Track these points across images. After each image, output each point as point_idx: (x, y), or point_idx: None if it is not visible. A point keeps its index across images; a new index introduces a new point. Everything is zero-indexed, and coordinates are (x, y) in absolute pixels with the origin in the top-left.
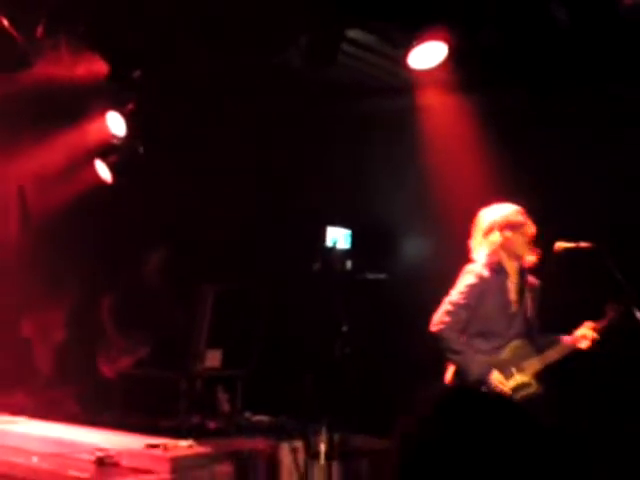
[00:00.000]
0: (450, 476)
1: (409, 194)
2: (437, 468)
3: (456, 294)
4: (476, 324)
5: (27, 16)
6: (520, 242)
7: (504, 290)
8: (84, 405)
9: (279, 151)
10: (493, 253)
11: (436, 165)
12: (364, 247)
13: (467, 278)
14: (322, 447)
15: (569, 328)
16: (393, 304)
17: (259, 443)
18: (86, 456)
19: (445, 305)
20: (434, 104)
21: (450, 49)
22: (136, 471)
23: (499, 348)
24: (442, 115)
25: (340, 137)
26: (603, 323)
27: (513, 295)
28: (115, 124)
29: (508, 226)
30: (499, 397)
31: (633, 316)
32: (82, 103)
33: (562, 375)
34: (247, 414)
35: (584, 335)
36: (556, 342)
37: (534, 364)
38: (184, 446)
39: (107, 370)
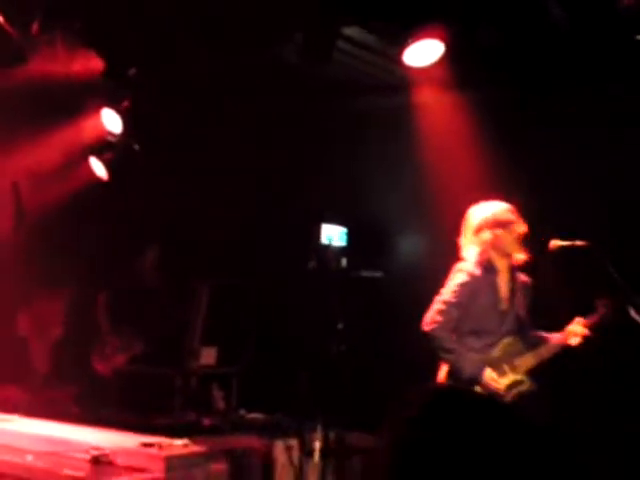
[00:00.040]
0: (438, 476)
1: (405, 192)
2: (425, 468)
3: (447, 293)
4: (468, 322)
5: (22, 12)
6: (510, 240)
7: (495, 288)
8: (80, 403)
9: (275, 149)
10: (483, 251)
11: (432, 163)
12: (359, 245)
13: (458, 277)
14: (317, 445)
15: (564, 326)
16: (388, 302)
17: (254, 441)
18: (81, 455)
19: (437, 304)
20: (430, 102)
21: (447, 47)
22: (131, 470)
23: (491, 346)
24: (438, 113)
25: (336, 135)
26: (594, 319)
27: (504, 293)
28: (111, 121)
29: (498, 224)
30: (486, 397)
31: (627, 314)
32: (78, 100)
33: (555, 372)
34: (242, 411)
35: (575, 332)
36: (547, 339)
37: (526, 361)
38: (179, 445)
39: (102, 367)
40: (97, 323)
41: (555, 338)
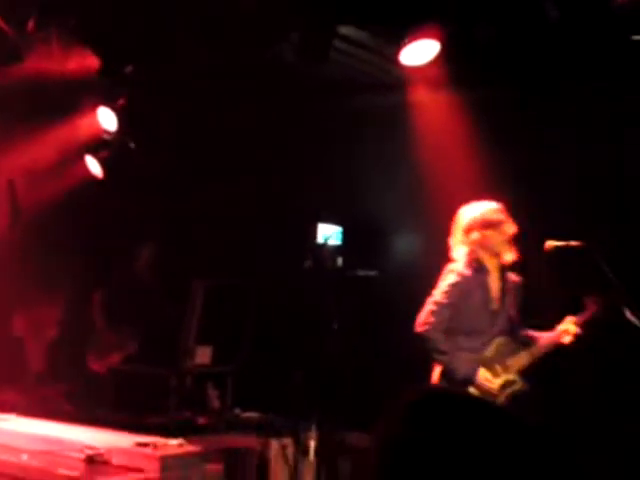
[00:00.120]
0: (426, 477)
1: (401, 191)
2: (413, 469)
3: (439, 294)
4: (459, 323)
5: (18, 10)
6: (499, 240)
7: (486, 288)
8: (74, 402)
9: (271, 147)
10: (473, 251)
11: (428, 162)
12: (355, 244)
13: (449, 277)
14: (312, 444)
15: (554, 325)
16: (384, 301)
17: (249, 440)
18: (76, 454)
19: (429, 305)
20: (426, 101)
21: (442, 46)
22: (126, 469)
23: (483, 346)
24: (434, 112)
25: (332, 133)
26: (585, 317)
27: (495, 293)
28: (106, 119)
29: (487, 224)
30: (476, 398)
31: (622, 314)
32: (73, 98)
33: (547, 372)
34: (237, 411)
35: (566, 330)
36: (539, 338)
37: (519, 361)
38: (174, 444)
39: (97, 366)
40: (92, 321)
41: (546, 337)
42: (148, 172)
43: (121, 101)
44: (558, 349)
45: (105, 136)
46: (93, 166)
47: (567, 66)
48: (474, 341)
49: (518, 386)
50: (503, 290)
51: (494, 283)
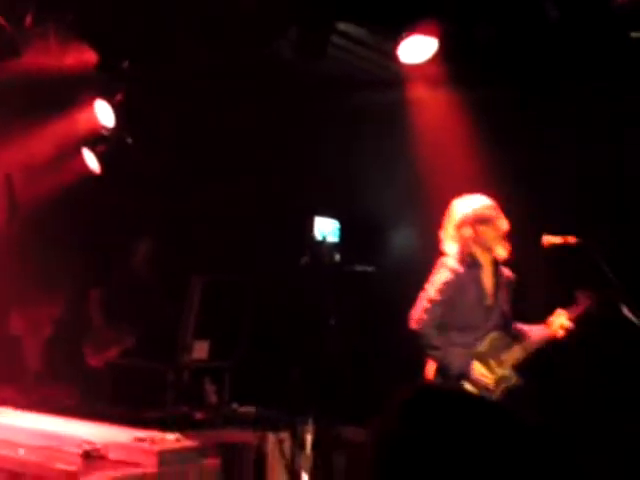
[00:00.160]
0: (420, 472)
1: (399, 187)
2: (407, 464)
3: (432, 290)
4: (453, 318)
5: (16, 5)
6: (492, 236)
7: (479, 283)
8: (74, 399)
9: (269, 144)
10: (465, 246)
11: (426, 159)
12: (353, 240)
13: (442, 273)
14: (308, 438)
15: (544, 318)
16: (381, 297)
17: (246, 435)
18: (73, 449)
19: (422, 302)
20: (425, 98)
21: (441, 44)
22: (123, 464)
23: (476, 341)
24: (433, 109)
25: (330, 131)
26: (577, 311)
27: (488, 288)
28: (104, 114)
29: (480, 220)
30: (471, 394)
31: (619, 310)
32: (71, 92)
33: (541, 366)
34: (234, 405)
35: (560, 324)
36: (531, 332)
37: (512, 356)
38: (171, 439)
39: (94, 361)
40: (89, 318)
41: (539, 331)
42: (146, 168)
43: (119, 96)
44: (551, 343)
45: (103, 131)
46: (91, 161)
47: (567, 66)
48: (467, 336)
49: (513, 381)
50: (497, 285)
51: (488, 278)
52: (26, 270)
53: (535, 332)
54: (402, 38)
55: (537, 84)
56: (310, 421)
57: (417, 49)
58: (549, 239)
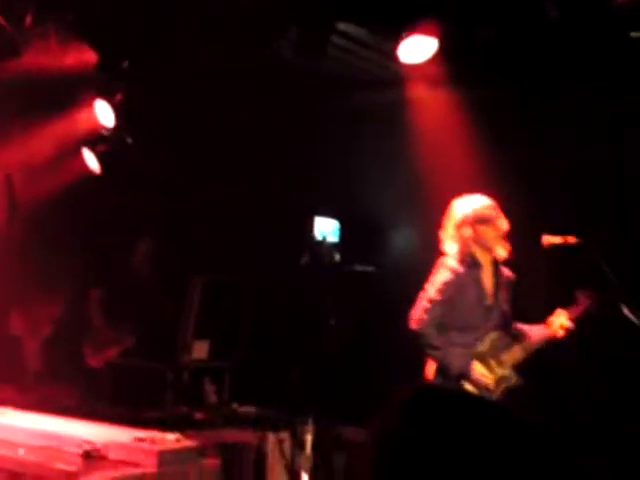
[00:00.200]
0: (419, 473)
1: (398, 187)
2: (407, 465)
3: (432, 291)
4: (453, 318)
5: (16, 5)
6: (492, 235)
7: (480, 283)
8: (74, 399)
9: (269, 143)
10: (465, 246)
11: (426, 159)
12: (353, 240)
13: (442, 274)
14: (308, 438)
15: (543, 318)
16: (381, 297)
17: (246, 435)
18: (73, 449)
19: (422, 302)
20: (425, 98)
21: (441, 44)
22: (123, 464)
23: (476, 341)
24: (433, 109)
25: (330, 130)
26: (577, 311)
27: (488, 288)
28: (104, 114)
29: (480, 220)
30: (471, 395)
31: (619, 311)
32: (71, 92)
33: (541, 366)
34: (234, 405)
35: (560, 324)
36: (531, 332)
37: (512, 356)
38: (171, 439)
39: (94, 361)
40: (89, 318)
41: (539, 331)
42: (146, 168)
43: (118, 96)
44: (551, 343)
45: (103, 131)
46: (91, 161)
47: (567, 66)
48: (467, 336)
49: (513, 381)
50: (497, 285)
51: (488, 279)
52: (26, 270)
53: (535, 332)
54: (402, 38)
55: (537, 84)
56: (310, 421)
57: (417, 49)
58: (549, 239)
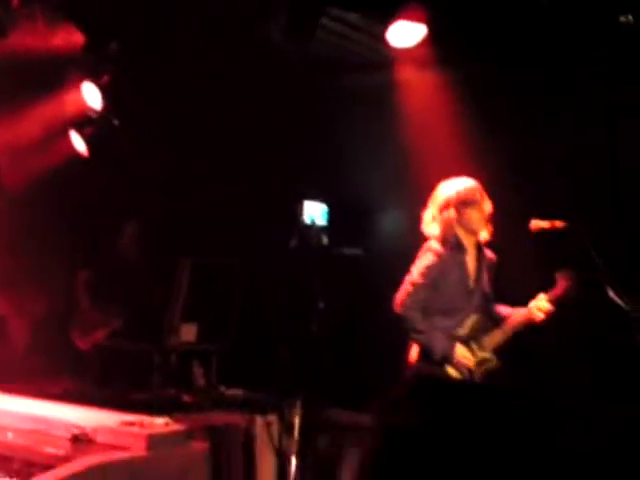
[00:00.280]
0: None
1: (387, 169)
2: (409, 453)
3: (416, 274)
4: (437, 302)
5: None
6: (476, 218)
7: (463, 267)
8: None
9: (258, 126)
10: (448, 228)
11: (415, 141)
12: (341, 223)
13: (427, 257)
14: (296, 421)
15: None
16: (369, 280)
17: (234, 417)
18: (62, 433)
19: (406, 285)
20: (414, 79)
21: (429, 27)
22: (112, 448)
23: (458, 324)
24: (422, 90)
25: (319, 112)
26: (557, 293)
27: (471, 271)
28: (91, 96)
29: (463, 203)
30: (469, 384)
31: (605, 293)
32: (59, 74)
33: (521, 349)
34: (222, 388)
35: (539, 307)
36: (511, 315)
37: (492, 339)
38: (160, 423)
39: (82, 343)
40: (77, 300)
41: (518, 314)
42: (133, 150)
43: (106, 78)
44: (531, 326)
45: (90, 114)
46: (78, 143)
47: (553, 46)
48: (450, 320)
49: (493, 363)
50: (479, 268)
51: (471, 262)
52: (12, 252)
53: (515, 315)
54: (390, 23)
55: (520, 63)
56: (298, 404)
57: (406, 34)
58: (537, 223)
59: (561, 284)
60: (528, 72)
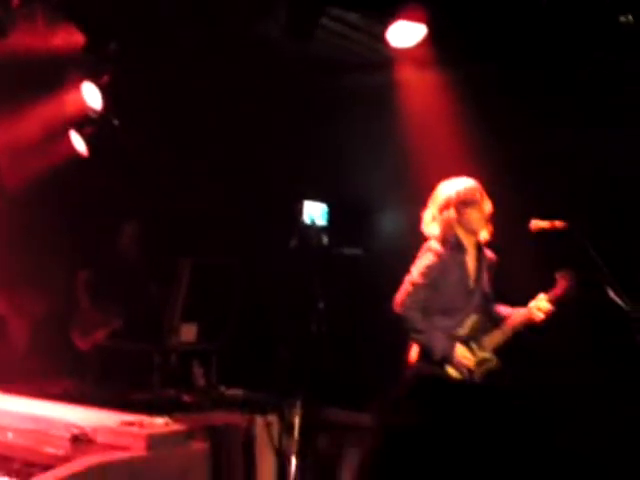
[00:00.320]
0: (422, 462)
1: (387, 169)
2: (410, 454)
3: (416, 274)
4: (437, 302)
5: None
6: (476, 218)
7: (464, 267)
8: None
9: (258, 125)
10: (448, 228)
11: (415, 140)
12: (341, 222)
13: (427, 257)
14: (296, 421)
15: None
16: (369, 280)
17: (234, 417)
18: (62, 433)
19: (406, 285)
20: (414, 79)
21: (429, 27)
22: (112, 448)
23: (458, 324)
24: (422, 90)
25: (319, 112)
26: (556, 293)
27: (471, 271)
28: (91, 96)
29: (463, 203)
30: (470, 384)
31: (605, 293)
32: (59, 74)
33: (521, 349)
34: (222, 388)
35: (539, 307)
36: (511, 315)
37: (492, 339)
38: (160, 423)
39: (82, 344)
40: (76, 300)
41: (518, 314)
42: (132, 150)
43: (106, 78)
44: (531, 326)
45: (90, 113)
46: (78, 143)
47: (553, 46)
48: (450, 320)
49: (493, 363)
50: (479, 269)
51: (471, 262)
52: (12, 252)
53: (515, 316)
54: (390, 23)
55: (521, 63)
56: (298, 404)
57: (406, 34)
58: (537, 223)
59: (561, 284)
60: (528, 72)
